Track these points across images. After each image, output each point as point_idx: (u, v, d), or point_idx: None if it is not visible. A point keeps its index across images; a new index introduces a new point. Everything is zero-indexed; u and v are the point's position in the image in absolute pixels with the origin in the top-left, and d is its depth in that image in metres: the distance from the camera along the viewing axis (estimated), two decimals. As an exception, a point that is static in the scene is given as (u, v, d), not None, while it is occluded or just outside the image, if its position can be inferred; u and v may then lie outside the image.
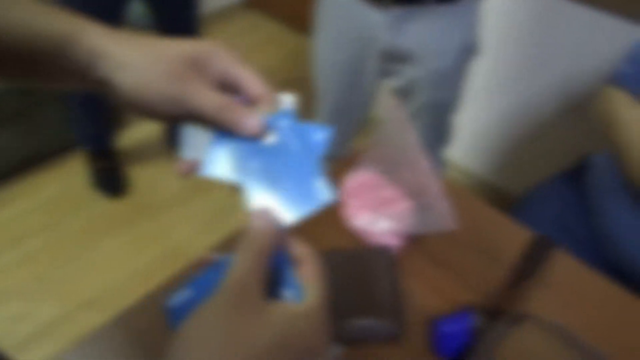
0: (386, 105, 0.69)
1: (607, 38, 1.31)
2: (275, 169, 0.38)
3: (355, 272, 0.67)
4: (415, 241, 0.72)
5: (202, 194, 1.89)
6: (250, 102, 0.39)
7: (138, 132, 2.12)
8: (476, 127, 1.77)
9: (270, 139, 0.39)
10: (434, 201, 0.62)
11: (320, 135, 0.40)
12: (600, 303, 0.66)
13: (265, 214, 0.36)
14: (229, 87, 0.39)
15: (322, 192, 0.38)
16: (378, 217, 0.71)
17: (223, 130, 0.38)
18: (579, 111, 1.46)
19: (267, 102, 0.38)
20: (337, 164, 0.84)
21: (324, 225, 0.72)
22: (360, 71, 1.15)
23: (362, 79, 1.17)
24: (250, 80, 0.38)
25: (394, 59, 1.10)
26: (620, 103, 0.86)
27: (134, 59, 0.36)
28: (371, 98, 1.24)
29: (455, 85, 1.17)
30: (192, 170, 0.40)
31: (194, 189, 1.90)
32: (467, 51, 1.11)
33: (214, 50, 0.38)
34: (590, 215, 0.97)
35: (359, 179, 0.77)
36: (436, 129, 1.24)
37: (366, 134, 1.39)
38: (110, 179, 1.89)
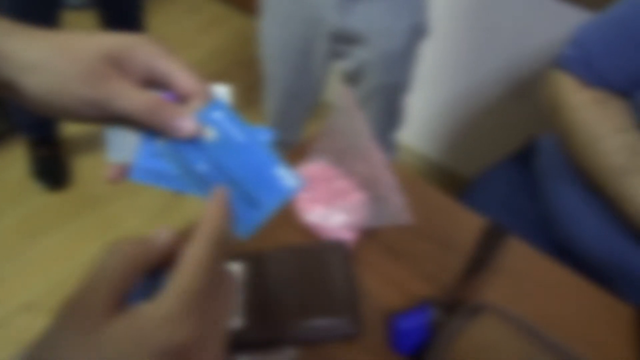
0: (338, 93, 0.65)
1: (553, 21, 1.33)
2: (227, 167, 0.35)
3: (308, 270, 0.64)
4: (369, 234, 0.70)
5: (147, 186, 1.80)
6: (180, 98, 0.35)
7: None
8: (427, 109, 1.77)
9: (209, 135, 0.35)
10: (388, 194, 0.60)
11: (262, 135, 0.36)
12: (556, 291, 0.67)
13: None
14: (156, 83, 0.34)
15: (288, 180, 0.35)
16: (331, 211, 0.68)
17: (152, 132, 0.34)
18: (526, 93, 1.49)
19: (200, 96, 0.34)
20: (287, 155, 0.81)
21: (274, 221, 0.68)
22: (309, 53, 1.12)
23: (311, 61, 1.14)
24: (179, 73, 0.34)
25: (343, 40, 1.07)
26: (565, 87, 0.87)
27: (43, 59, 0.31)
28: (322, 81, 1.22)
29: (406, 67, 1.16)
30: (122, 175, 0.36)
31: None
32: (416, 32, 1.10)
33: (136, 44, 0.33)
34: (538, 198, 0.99)
35: (310, 170, 0.74)
36: (388, 112, 1.23)
37: (319, 119, 1.37)
38: (52, 168, 1.77)
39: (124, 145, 0.36)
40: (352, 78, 1.17)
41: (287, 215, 0.72)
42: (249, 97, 1.63)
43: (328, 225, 0.69)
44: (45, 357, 0.25)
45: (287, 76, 1.18)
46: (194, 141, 0.34)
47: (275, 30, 1.13)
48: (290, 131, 1.34)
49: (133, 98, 0.32)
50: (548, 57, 1.36)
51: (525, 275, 0.68)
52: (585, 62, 0.84)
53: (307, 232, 0.70)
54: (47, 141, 1.79)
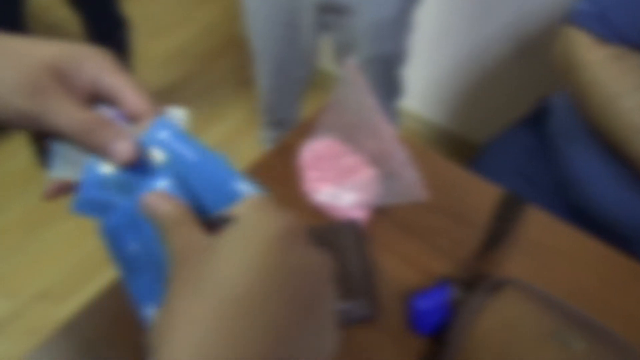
0: (342, 67, 0.62)
1: (559, -27, 1.27)
2: (182, 190, 0.31)
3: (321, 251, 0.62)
4: (381, 211, 0.68)
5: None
6: (129, 118, 0.32)
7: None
8: (431, 73, 1.72)
9: (158, 157, 0.32)
10: (401, 170, 0.57)
11: (217, 155, 0.33)
12: (581, 262, 0.64)
13: (163, 196, 0.29)
14: (102, 100, 0.32)
15: (247, 185, 0.32)
16: (341, 190, 0.66)
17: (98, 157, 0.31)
18: (535, 51, 1.43)
19: (150, 117, 0.32)
20: (290, 133, 0.78)
21: (282, 203, 0.66)
22: (295, 25, 1.07)
23: (298, 34, 1.09)
24: (128, 91, 0.31)
25: (330, 10, 1.03)
26: (578, 44, 0.82)
27: None
28: (311, 54, 1.17)
29: (400, 36, 1.11)
30: (61, 192, 0.33)
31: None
32: None
33: (84, 56, 0.31)
34: (552, 162, 0.96)
35: (315, 148, 0.71)
36: (385, 82, 1.19)
37: (317, 95, 1.33)
38: None
39: (67, 162, 0.33)
40: (344, 50, 1.12)
41: (295, 197, 0.69)
42: (243, 75, 1.58)
43: (339, 205, 0.66)
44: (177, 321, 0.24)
45: (275, 51, 1.14)
46: (142, 167, 0.31)
47: (257, 2, 1.08)
48: (285, 109, 1.30)
49: (69, 115, 0.30)
50: (558, 12, 1.31)
51: (547, 246, 0.66)
52: (600, 16, 0.79)
53: (318, 213, 0.68)
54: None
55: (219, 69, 2.09)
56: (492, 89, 1.63)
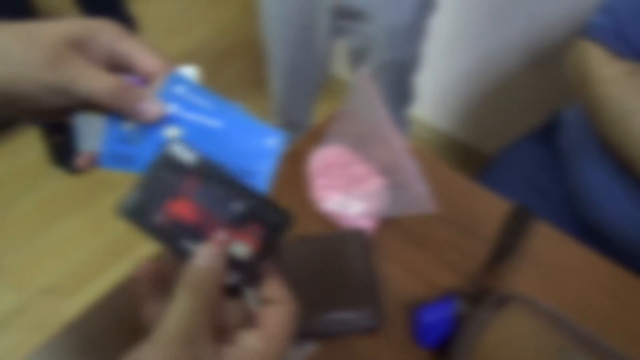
0: (354, 76, 0.62)
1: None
2: (203, 142, 0.33)
3: (327, 260, 0.62)
4: (389, 220, 0.67)
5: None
6: (146, 81, 0.34)
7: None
8: (442, 81, 1.72)
9: (172, 110, 0.34)
10: (410, 181, 0.57)
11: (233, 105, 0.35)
12: (588, 278, 0.64)
13: (212, 249, 0.31)
14: (119, 66, 0.33)
15: (270, 138, 0.34)
16: (350, 198, 0.66)
17: (118, 116, 0.33)
18: (548, 63, 1.42)
19: (164, 74, 0.34)
20: (300, 140, 0.78)
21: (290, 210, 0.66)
22: (311, 28, 1.07)
23: (314, 37, 1.09)
24: (142, 53, 0.33)
25: (346, 15, 1.03)
26: (594, 58, 0.82)
27: (3, 49, 0.30)
28: (326, 58, 1.17)
29: (414, 43, 1.11)
30: (91, 164, 0.35)
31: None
32: (424, 5, 1.05)
33: (97, 28, 0.32)
34: (563, 175, 0.95)
35: (325, 155, 0.71)
36: (397, 89, 1.19)
37: (329, 100, 1.33)
38: (69, 154, 1.77)
39: (92, 133, 0.34)
40: (358, 55, 1.12)
41: (303, 203, 0.69)
42: (256, 76, 1.58)
43: (346, 213, 0.66)
44: None
45: (289, 53, 1.14)
46: (162, 122, 0.33)
47: (274, 5, 1.08)
48: (298, 112, 1.30)
49: (96, 80, 0.31)
50: (573, 24, 1.30)
51: (555, 262, 0.65)
52: (617, 30, 0.78)
53: (325, 221, 0.68)
54: (60, 127, 1.78)
55: (232, 70, 2.10)
56: (504, 99, 1.62)
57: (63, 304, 1.45)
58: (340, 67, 1.75)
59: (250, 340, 0.30)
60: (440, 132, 1.85)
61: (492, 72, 1.58)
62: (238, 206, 0.32)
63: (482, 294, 0.57)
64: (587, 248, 0.67)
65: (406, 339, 0.58)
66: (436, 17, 1.11)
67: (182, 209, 0.32)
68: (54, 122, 1.72)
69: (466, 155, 1.79)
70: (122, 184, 1.74)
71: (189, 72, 0.35)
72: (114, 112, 0.32)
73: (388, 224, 0.67)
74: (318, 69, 1.20)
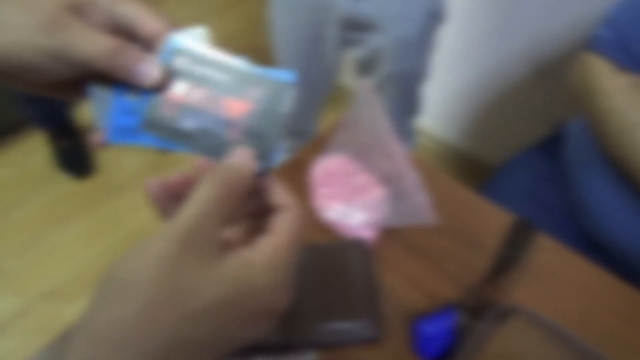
0: (357, 85, 0.62)
1: (581, -2, 1.26)
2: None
3: (327, 270, 0.62)
4: (390, 231, 0.67)
5: (166, 171, 1.80)
6: (148, 48, 0.32)
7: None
8: (447, 92, 1.72)
9: (178, 87, 0.33)
10: (411, 192, 0.57)
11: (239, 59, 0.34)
12: (590, 292, 0.63)
13: (245, 152, 0.31)
14: (121, 33, 0.32)
15: (283, 75, 0.34)
16: (351, 208, 0.66)
17: (118, 82, 0.32)
18: (553, 75, 1.42)
19: (165, 39, 0.33)
20: (302, 149, 0.78)
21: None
22: (320, 39, 1.08)
23: (322, 48, 1.10)
24: (143, 16, 0.32)
25: (355, 26, 1.04)
26: (598, 71, 0.82)
27: (2, 18, 0.30)
28: (334, 68, 1.18)
29: (422, 54, 1.11)
30: (103, 141, 0.34)
31: (158, 167, 1.80)
32: (433, 17, 1.05)
33: None
34: (566, 188, 0.95)
35: (328, 165, 0.71)
36: (404, 99, 1.19)
37: (335, 108, 1.34)
38: (75, 159, 1.78)
39: (104, 108, 0.33)
40: (366, 66, 1.13)
41: (304, 212, 0.69)
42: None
43: (348, 223, 0.66)
44: (173, 284, 0.26)
45: (299, 63, 1.15)
46: (165, 87, 0.32)
47: (284, 15, 1.09)
48: (305, 120, 1.31)
49: (92, 42, 0.30)
50: (577, 36, 1.30)
51: (557, 275, 0.65)
52: (621, 44, 0.78)
53: (326, 230, 0.68)
54: (66, 132, 1.79)
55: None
56: (508, 111, 1.62)
57: (64, 308, 1.45)
58: (347, 76, 1.75)
59: (259, 245, 0.29)
60: (445, 142, 1.85)
61: (497, 83, 1.59)
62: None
63: (483, 306, 0.57)
64: (590, 261, 0.66)
65: (406, 351, 0.57)
66: (442, 29, 1.11)
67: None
68: (60, 127, 1.74)
69: (470, 166, 1.79)
70: (126, 188, 1.75)
71: (197, 32, 0.34)
72: (112, 76, 0.31)
73: (389, 234, 0.67)
74: (326, 80, 1.21)
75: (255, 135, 0.32)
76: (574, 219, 0.92)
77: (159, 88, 0.32)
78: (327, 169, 0.70)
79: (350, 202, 0.67)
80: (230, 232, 0.34)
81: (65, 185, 1.75)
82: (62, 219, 1.66)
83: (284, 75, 0.33)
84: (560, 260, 0.66)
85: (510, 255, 0.64)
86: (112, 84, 0.32)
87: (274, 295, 0.29)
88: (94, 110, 0.33)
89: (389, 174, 0.62)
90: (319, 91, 1.24)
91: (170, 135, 0.32)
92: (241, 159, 0.31)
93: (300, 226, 0.31)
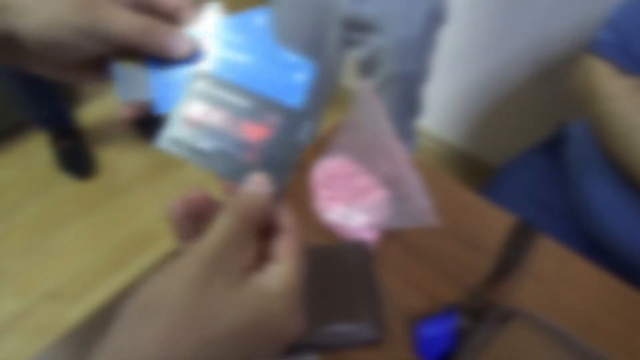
0: (358, 87, 0.62)
1: (581, 1, 1.26)
2: (235, 75, 0.34)
3: (328, 272, 0.62)
4: (391, 233, 0.67)
5: (169, 172, 1.80)
6: (171, 22, 0.34)
7: (97, 109, 2.00)
8: (449, 93, 1.72)
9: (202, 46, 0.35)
10: (412, 194, 0.57)
11: (260, 18, 0.36)
12: (592, 294, 0.63)
13: (262, 180, 0.32)
14: (144, 11, 0.34)
15: (299, 72, 0.36)
16: (352, 210, 0.66)
17: (151, 58, 0.34)
18: (555, 76, 1.42)
19: (189, 12, 0.34)
20: (305, 150, 0.78)
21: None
22: (321, 40, 1.08)
23: (323, 49, 1.10)
24: None
25: (356, 27, 1.04)
26: (599, 74, 0.82)
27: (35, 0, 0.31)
28: (336, 69, 1.18)
29: (423, 55, 1.11)
30: (137, 112, 0.36)
31: (160, 167, 1.81)
32: (434, 18, 1.05)
33: None
34: (567, 189, 0.95)
35: (329, 166, 0.71)
36: (405, 101, 1.19)
37: (338, 110, 1.34)
38: (77, 160, 1.78)
39: (133, 83, 0.35)
40: (368, 67, 1.13)
41: (306, 214, 0.69)
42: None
43: (349, 225, 0.66)
44: (197, 308, 0.27)
45: None
46: (192, 59, 0.34)
47: (285, 16, 1.09)
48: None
49: (126, 19, 0.32)
50: (581, 38, 1.30)
51: (558, 277, 0.65)
52: (623, 47, 0.78)
53: (327, 232, 0.68)
54: (68, 133, 1.79)
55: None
56: (510, 112, 1.62)
57: (66, 309, 1.45)
58: (349, 78, 1.75)
59: (273, 273, 0.30)
60: (447, 143, 1.85)
61: (499, 84, 1.59)
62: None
63: (484, 308, 0.57)
64: (591, 263, 0.66)
65: (407, 353, 0.57)
66: (444, 30, 1.11)
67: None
68: (62, 128, 1.75)
69: (472, 167, 1.79)
70: (127, 189, 1.75)
71: (214, 7, 0.36)
72: (145, 53, 0.33)
73: (390, 236, 0.67)
74: (327, 80, 1.21)
75: (272, 160, 0.33)
76: (575, 220, 0.91)
77: (188, 60, 0.34)
78: (329, 171, 0.70)
79: (351, 204, 0.67)
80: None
81: (67, 186, 1.76)
82: (64, 220, 1.66)
83: (300, 70, 0.36)
84: (561, 262, 0.66)
85: (511, 257, 0.64)
86: (140, 60, 0.34)
87: (289, 322, 0.30)
88: (119, 87, 0.35)
89: (390, 176, 0.62)
90: (320, 92, 1.24)
91: (190, 153, 0.34)
92: (259, 186, 0.32)
93: (302, 250, 0.33)
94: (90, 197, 1.73)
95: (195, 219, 0.33)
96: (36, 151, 1.84)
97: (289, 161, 0.34)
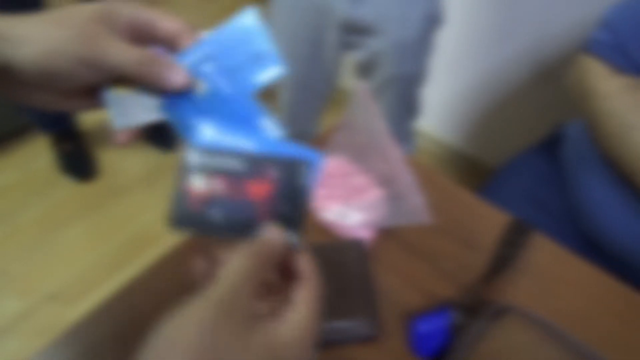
0: (354, 89, 0.63)
1: (578, 1, 1.27)
2: (214, 119, 0.36)
3: (326, 269, 0.62)
4: (387, 231, 0.68)
5: (169, 175, 1.81)
6: (169, 48, 0.36)
7: (98, 112, 2.00)
8: (447, 94, 1.73)
9: (201, 88, 0.36)
10: (407, 193, 0.58)
11: (248, 20, 0.37)
12: (586, 291, 0.64)
13: (277, 230, 0.33)
14: (142, 36, 0.35)
15: (271, 132, 0.36)
16: (349, 209, 0.66)
17: (145, 87, 0.35)
18: (553, 77, 1.43)
19: (187, 38, 0.36)
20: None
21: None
22: (319, 43, 1.09)
23: (322, 51, 1.11)
24: (163, 18, 0.35)
25: (354, 30, 1.05)
26: (595, 73, 0.82)
27: (35, 29, 0.32)
28: (334, 71, 1.19)
29: (421, 57, 1.12)
30: (131, 139, 0.37)
31: (161, 170, 1.82)
32: (431, 20, 1.06)
33: (118, 4, 0.35)
34: (565, 189, 0.95)
35: (326, 166, 0.72)
36: (403, 103, 1.20)
37: (335, 110, 1.35)
38: (78, 162, 1.79)
39: (126, 110, 0.36)
40: (366, 69, 1.14)
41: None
42: (266, 87, 1.60)
43: (345, 224, 0.67)
44: (210, 351, 0.28)
45: (299, 67, 1.16)
46: (185, 95, 0.35)
47: (284, 19, 1.10)
48: (305, 122, 1.32)
49: (124, 51, 0.33)
50: (578, 38, 1.30)
51: (552, 275, 0.65)
52: (618, 46, 0.79)
53: (324, 231, 0.69)
54: (69, 135, 1.80)
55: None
56: (508, 112, 1.62)
57: (67, 310, 1.46)
58: (347, 79, 1.77)
59: (287, 318, 0.32)
60: (446, 144, 1.86)
61: (497, 85, 1.59)
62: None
63: (478, 305, 0.57)
64: (586, 261, 0.67)
65: (403, 349, 0.58)
66: (442, 32, 1.12)
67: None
68: (64, 131, 1.76)
69: (471, 167, 1.79)
70: (128, 192, 1.76)
71: (250, 17, 0.37)
72: (142, 83, 0.34)
73: (386, 234, 0.68)
74: (326, 83, 1.22)
75: (281, 214, 0.34)
76: (573, 220, 0.92)
77: (183, 90, 0.35)
78: (326, 170, 0.71)
79: (348, 203, 0.67)
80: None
81: (68, 188, 1.77)
82: (66, 222, 1.67)
83: (306, 154, 0.35)
84: (556, 260, 0.67)
85: (506, 255, 0.65)
86: (132, 88, 0.35)
87: None
88: (113, 114, 0.36)
89: (385, 175, 0.63)
90: (319, 94, 1.25)
91: (201, 229, 0.34)
92: (272, 234, 0.33)
93: (320, 296, 0.34)
94: (91, 199, 1.74)
95: (205, 255, 0.34)
96: (37, 154, 1.85)
97: (298, 209, 0.35)
